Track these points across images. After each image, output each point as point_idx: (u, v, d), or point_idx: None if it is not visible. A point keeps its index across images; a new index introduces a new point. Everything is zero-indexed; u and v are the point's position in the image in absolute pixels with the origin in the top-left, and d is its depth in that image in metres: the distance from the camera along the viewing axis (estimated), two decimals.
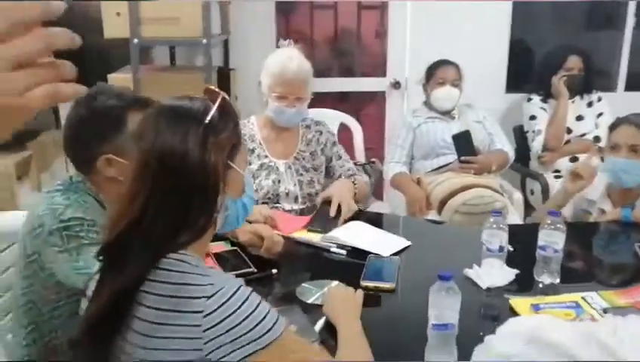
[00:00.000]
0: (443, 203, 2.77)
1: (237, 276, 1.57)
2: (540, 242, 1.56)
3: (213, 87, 1.11)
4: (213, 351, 0.91)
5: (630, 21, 3.82)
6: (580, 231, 2.01)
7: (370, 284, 1.54)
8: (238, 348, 0.92)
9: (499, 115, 3.64)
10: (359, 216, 2.12)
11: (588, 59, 3.33)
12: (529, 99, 3.43)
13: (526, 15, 3.77)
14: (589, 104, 3.37)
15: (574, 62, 3.29)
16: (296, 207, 2.26)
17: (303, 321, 1.30)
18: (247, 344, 0.92)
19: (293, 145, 2.35)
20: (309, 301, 1.47)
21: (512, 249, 1.77)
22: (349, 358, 1.12)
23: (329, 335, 1.27)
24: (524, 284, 1.58)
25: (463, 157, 2.91)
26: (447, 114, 3.09)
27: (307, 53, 2.31)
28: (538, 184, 3.21)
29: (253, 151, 2.28)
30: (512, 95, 3.72)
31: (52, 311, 1.51)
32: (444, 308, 1.16)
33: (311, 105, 2.36)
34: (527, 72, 3.79)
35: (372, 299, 1.50)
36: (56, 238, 1.38)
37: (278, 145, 2.33)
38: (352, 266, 1.66)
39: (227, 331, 0.92)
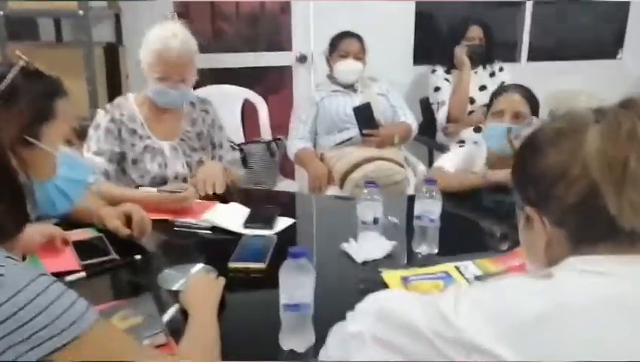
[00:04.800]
0: (344, 177, 2.72)
1: (95, 264, 1.47)
2: (416, 212, 1.51)
3: (19, 54, 0.97)
4: (3, 352, 0.79)
5: None
6: (459, 200, 1.97)
7: (240, 266, 1.44)
8: (35, 347, 0.80)
9: (406, 88, 3.61)
10: (252, 195, 2.02)
11: (489, 30, 3.35)
12: (433, 71, 3.42)
13: None
14: (492, 74, 3.38)
15: (475, 32, 3.30)
16: None
17: (151, 311, 1.19)
18: (45, 341, 0.80)
19: (177, 126, 2.18)
20: (173, 288, 1.35)
21: (396, 221, 1.73)
22: (186, 353, 1.01)
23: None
24: (404, 256, 1.53)
25: (364, 131, 2.86)
26: (350, 87, 3.02)
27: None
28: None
29: (134, 132, 2.11)
30: (419, 67, 3.69)
31: None
32: (295, 287, 1.07)
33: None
34: (433, 44, 3.78)
35: (240, 281, 1.40)
36: None
37: (161, 125, 2.16)
38: (225, 247, 1.55)
39: (17, 329, 0.79)
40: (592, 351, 0.68)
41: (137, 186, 2.05)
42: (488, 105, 2.20)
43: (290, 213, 1.84)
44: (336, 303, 1.10)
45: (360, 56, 2.99)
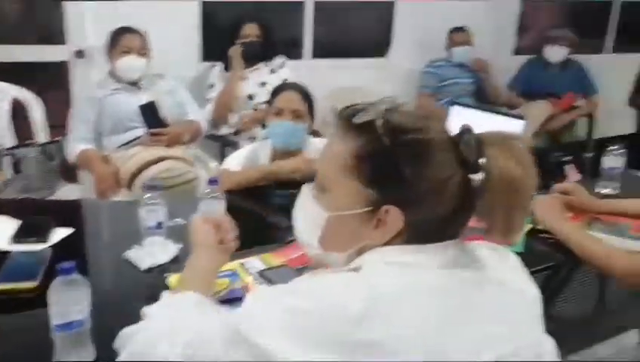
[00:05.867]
0: (133, 178, 2.61)
1: None
2: (198, 213, 1.50)
3: None
4: None
5: None
6: (247, 196, 2.01)
7: (6, 287, 1.30)
8: None
9: (197, 85, 3.57)
10: (24, 205, 1.84)
11: (266, 27, 3.39)
12: (212, 66, 3.43)
13: None
14: (272, 71, 3.45)
15: (251, 30, 3.34)
16: None
17: None
18: None
19: None
20: None
21: (184, 222, 1.70)
22: None
23: None
24: None
25: (152, 130, 2.77)
26: (134, 84, 2.90)
27: None
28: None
29: None
30: (206, 64, 3.67)
31: None
32: (68, 304, 1.01)
33: None
34: (217, 41, 3.77)
35: (9, 303, 1.28)
36: None
37: None
38: None
39: None
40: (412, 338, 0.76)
41: None
42: (269, 103, 2.28)
43: (70, 223, 1.71)
44: (120, 314, 1.08)
45: (143, 52, 2.89)
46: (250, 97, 3.35)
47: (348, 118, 0.87)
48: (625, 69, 4.43)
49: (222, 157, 3.42)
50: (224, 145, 3.45)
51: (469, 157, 0.83)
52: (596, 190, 2.06)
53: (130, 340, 0.94)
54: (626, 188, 2.07)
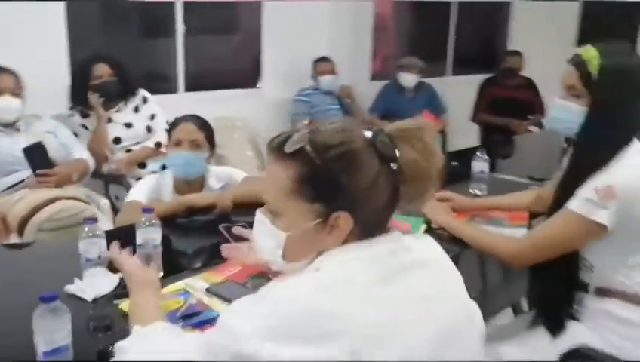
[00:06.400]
0: (24, 222, 2.52)
1: None
2: (139, 241, 1.57)
3: None
4: None
5: (180, 27, 4.17)
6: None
7: None
8: None
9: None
10: None
11: (117, 65, 3.31)
12: (70, 116, 3.29)
13: (81, 25, 3.66)
14: (136, 108, 3.42)
15: (102, 70, 3.26)
16: None
17: None
18: None
19: None
20: None
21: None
22: None
23: None
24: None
25: (39, 171, 2.70)
26: (10, 126, 2.80)
27: None
28: (123, 187, 3.23)
29: None
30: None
31: None
32: (53, 331, 1.05)
33: None
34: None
35: None
36: None
37: None
38: None
39: None
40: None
41: None
42: (168, 134, 2.34)
43: None
44: (76, 347, 1.13)
45: (17, 92, 2.81)
46: (117, 140, 3.32)
47: (279, 148, 1.00)
48: (464, 89, 5.08)
49: (107, 194, 3.39)
50: (108, 183, 3.41)
51: (387, 153, 0.99)
52: (470, 191, 2.41)
53: None
54: (491, 188, 2.44)
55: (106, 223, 2.69)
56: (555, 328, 1.65)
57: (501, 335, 1.74)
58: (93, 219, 1.52)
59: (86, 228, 1.49)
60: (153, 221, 1.57)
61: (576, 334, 1.62)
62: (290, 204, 0.98)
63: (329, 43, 4.69)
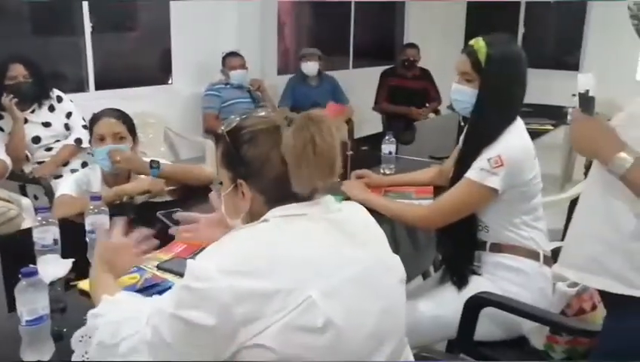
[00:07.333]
0: None
1: None
2: (88, 227, 1.68)
3: None
4: None
5: (87, 25, 4.16)
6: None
7: None
8: None
9: None
10: None
11: (31, 65, 3.31)
12: None
13: None
14: (51, 108, 3.42)
15: (17, 71, 3.25)
16: None
17: None
18: None
19: None
20: None
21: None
22: None
23: None
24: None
25: None
26: None
27: None
28: (41, 187, 3.22)
29: None
30: None
31: None
32: (35, 302, 1.17)
33: None
34: None
35: None
36: None
37: None
38: None
39: None
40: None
41: None
42: (89, 131, 2.39)
43: None
44: None
45: None
46: (37, 140, 3.32)
47: (219, 133, 1.25)
48: (366, 80, 5.42)
49: (24, 194, 3.35)
50: (25, 183, 3.37)
51: (284, 134, 1.17)
52: (381, 171, 2.69)
53: (92, 334, 1.14)
54: (398, 167, 2.73)
55: (29, 221, 2.71)
56: (460, 282, 1.95)
57: (416, 294, 2.02)
58: (45, 208, 1.62)
59: (39, 218, 1.58)
60: (102, 208, 1.69)
61: (477, 285, 1.91)
62: (222, 173, 1.25)
63: (237, 39, 4.83)
